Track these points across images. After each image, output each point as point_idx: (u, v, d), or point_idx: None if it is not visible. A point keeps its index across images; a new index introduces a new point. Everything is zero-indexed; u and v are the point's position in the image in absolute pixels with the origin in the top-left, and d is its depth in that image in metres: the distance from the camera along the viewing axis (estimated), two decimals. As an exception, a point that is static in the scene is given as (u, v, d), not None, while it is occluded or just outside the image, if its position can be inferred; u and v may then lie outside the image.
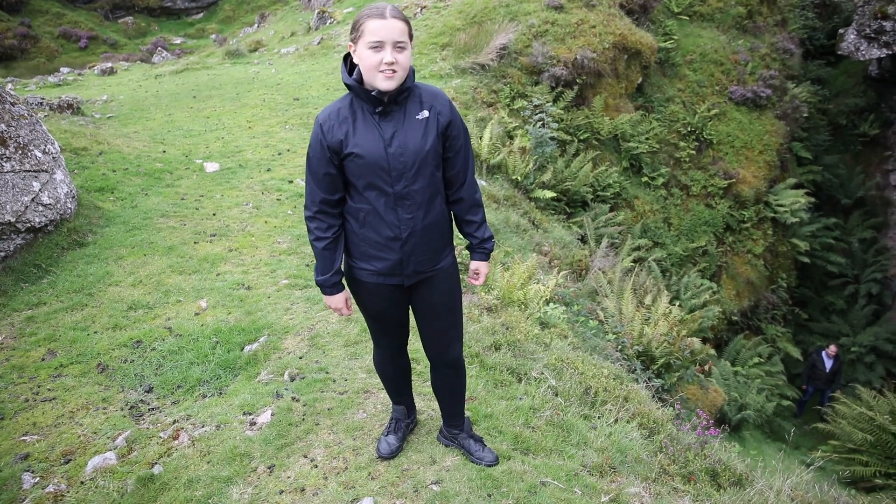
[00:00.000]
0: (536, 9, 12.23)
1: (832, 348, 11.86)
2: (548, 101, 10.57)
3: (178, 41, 29.41)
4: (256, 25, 26.84)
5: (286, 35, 20.46)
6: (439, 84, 11.21)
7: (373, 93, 2.48)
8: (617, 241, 10.09)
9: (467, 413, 3.46)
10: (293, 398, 3.68)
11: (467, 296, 5.42)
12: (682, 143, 12.31)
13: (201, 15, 32.74)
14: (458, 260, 5.98)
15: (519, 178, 9.13)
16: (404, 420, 3.30)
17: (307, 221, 2.69)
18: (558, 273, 5.96)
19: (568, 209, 9.98)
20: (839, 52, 14.75)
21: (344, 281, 2.82)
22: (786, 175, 13.50)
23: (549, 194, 9.25)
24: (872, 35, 13.55)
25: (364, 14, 2.43)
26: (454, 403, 3.18)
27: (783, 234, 13.18)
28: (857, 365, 12.82)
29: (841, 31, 15.05)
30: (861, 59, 14.13)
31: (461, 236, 2.97)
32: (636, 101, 12.41)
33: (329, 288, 2.76)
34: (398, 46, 2.41)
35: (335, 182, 2.61)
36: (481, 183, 8.95)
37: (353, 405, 3.62)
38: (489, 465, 3.18)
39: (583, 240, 9.45)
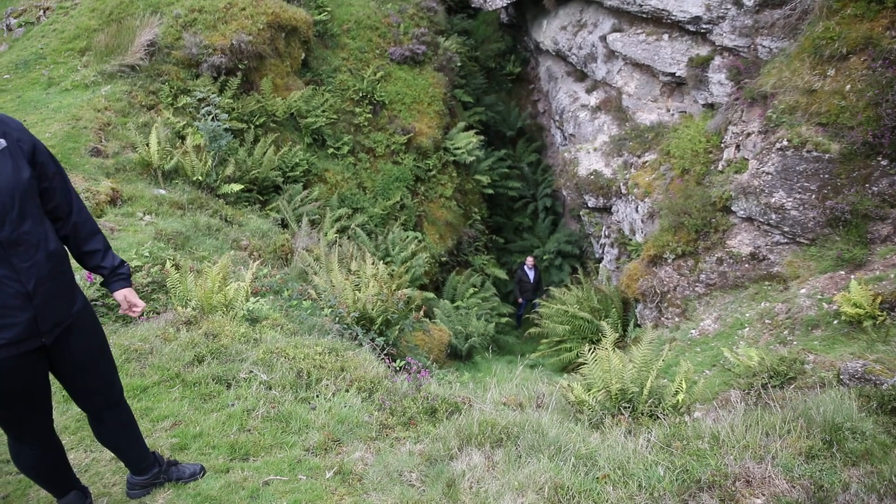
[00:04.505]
0: (177, -3, 11.54)
1: (529, 260, 13.59)
2: (213, 93, 10.13)
3: None
4: None
5: None
6: (86, 94, 10.07)
7: None
8: (317, 217, 10.20)
9: (173, 439, 3.27)
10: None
11: (163, 315, 5.08)
12: (357, 109, 12.76)
13: None
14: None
15: (201, 177, 8.68)
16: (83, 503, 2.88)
17: None
18: (255, 264, 5.85)
19: (261, 197, 9.78)
20: (473, 5, 16.48)
21: None
22: (455, 120, 14.81)
23: (238, 187, 8.97)
24: (493, -13, 15.39)
25: None
26: (137, 442, 2.92)
27: (466, 173, 14.55)
28: (551, 269, 14.86)
29: (471, -13, 16.76)
30: (490, 9, 16.01)
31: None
32: (305, 77, 12.50)
33: None
34: None
35: None
36: (160, 192, 8.33)
37: None
38: (203, 473, 3.06)
39: (283, 224, 9.38)
